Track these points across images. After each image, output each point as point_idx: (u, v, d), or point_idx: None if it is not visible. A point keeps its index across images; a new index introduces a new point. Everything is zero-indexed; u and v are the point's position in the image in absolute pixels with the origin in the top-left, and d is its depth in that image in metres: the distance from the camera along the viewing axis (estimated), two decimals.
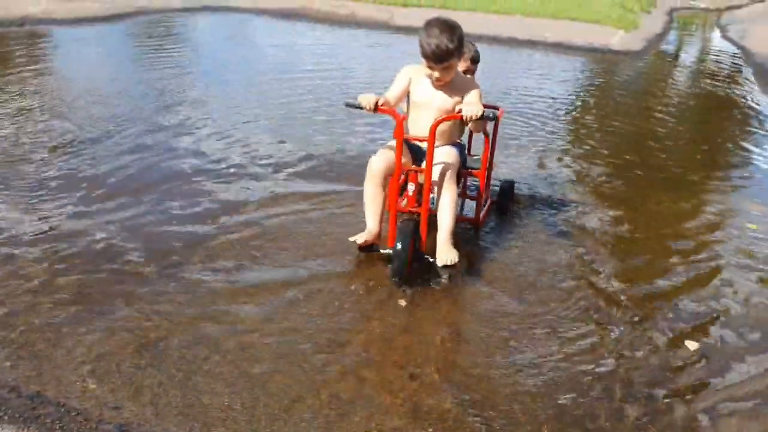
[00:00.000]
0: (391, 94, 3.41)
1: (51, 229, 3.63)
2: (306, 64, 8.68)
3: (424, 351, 2.82)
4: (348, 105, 3.33)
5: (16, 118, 5.52)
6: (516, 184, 4.49)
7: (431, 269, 3.39)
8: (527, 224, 4.16)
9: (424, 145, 3.29)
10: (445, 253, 3.29)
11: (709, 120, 7.79)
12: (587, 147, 5.97)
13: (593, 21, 13.64)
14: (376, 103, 3.22)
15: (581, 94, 8.52)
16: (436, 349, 2.84)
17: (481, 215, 3.93)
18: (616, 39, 12.49)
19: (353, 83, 7.60)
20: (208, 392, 2.47)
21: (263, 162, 4.88)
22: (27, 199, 3.98)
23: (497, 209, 4.24)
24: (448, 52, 3.18)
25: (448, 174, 3.34)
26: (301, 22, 12.62)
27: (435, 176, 3.32)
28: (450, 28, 3.20)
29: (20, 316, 2.84)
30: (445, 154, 3.41)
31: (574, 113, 7.27)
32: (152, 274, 3.26)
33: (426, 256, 3.39)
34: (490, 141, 3.81)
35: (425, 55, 3.23)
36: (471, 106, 3.19)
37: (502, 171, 4.88)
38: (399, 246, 3.18)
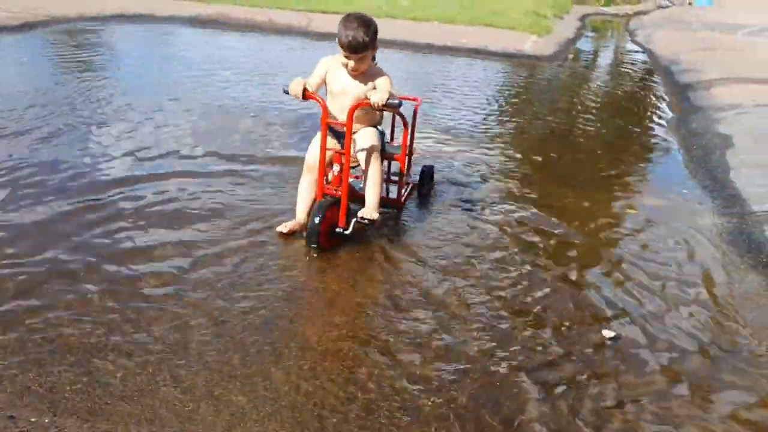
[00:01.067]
0: (311, 81, 3.75)
1: None
2: (222, 69, 8.61)
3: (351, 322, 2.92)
4: (284, 91, 3.67)
5: None
6: (435, 170, 4.85)
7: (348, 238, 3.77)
8: (444, 206, 4.51)
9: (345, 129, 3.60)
10: (368, 212, 3.72)
11: (618, 118, 8.14)
12: (502, 145, 6.19)
13: (508, 27, 14.01)
14: (304, 91, 3.56)
15: (496, 96, 8.76)
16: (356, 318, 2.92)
17: (403, 197, 4.28)
18: (530, 44, 12.90)
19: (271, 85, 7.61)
20: (114, 396, 2.43)
21: (183, 149, 5.04)
22: None
23: (418, 192, 4.60)
24: (363, 44, 3.52)
25: (373, 153, 3.77)
26: (218, 29, 12.47)
27: (361, 158, 3.76)
28: (366, 23, 3.55)
29: None
30: (367, 136, 3.80)
31: (489, 115, 7.48)
32: (60, 268, 3.21)
33: (338, 229, 3.70)
34: (409, 128, 4.13)
35: (342, 46, 3.56)
36: (378, 93, 3.51)
37: (424, 160, 5.21)
38: (316, 219, 3.59)
